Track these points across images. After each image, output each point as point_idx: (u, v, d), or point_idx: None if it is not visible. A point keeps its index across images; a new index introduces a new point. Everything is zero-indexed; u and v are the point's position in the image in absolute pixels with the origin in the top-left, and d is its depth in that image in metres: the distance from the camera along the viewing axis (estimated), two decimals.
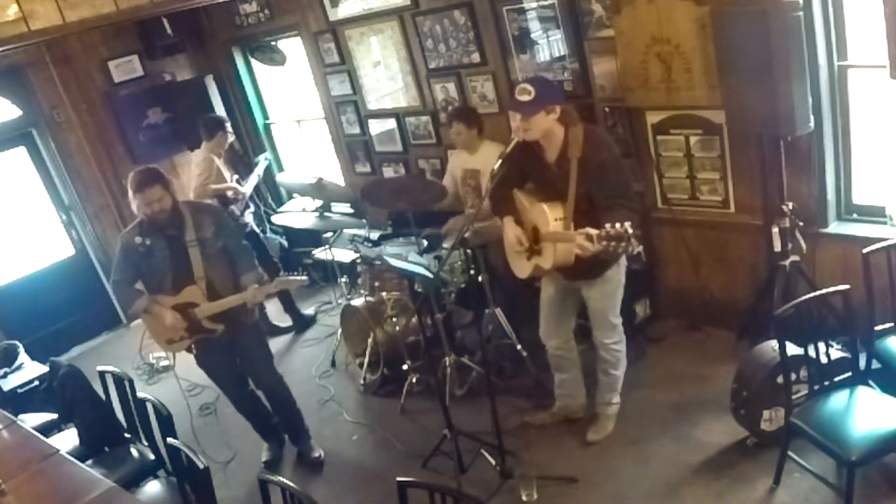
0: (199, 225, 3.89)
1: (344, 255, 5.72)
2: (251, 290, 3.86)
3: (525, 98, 3.25)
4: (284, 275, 4.13)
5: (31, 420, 4.31)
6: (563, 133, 3.35)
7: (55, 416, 4.46)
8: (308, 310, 6.19)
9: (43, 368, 5.43)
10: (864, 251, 3.29)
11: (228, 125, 5.73)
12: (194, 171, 5.63)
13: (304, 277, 4.08)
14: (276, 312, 6.07)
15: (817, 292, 3.12)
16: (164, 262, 3.88)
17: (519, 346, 4.52)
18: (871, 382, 3.25)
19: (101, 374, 3.96)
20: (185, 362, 4.30)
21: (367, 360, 4.88)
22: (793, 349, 3.11)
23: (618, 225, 2.87)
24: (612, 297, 3.66)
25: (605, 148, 3.36)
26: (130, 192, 3.82)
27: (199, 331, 3.95)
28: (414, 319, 4.66)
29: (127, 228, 4.03)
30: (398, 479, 2.53)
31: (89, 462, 3.69)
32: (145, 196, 3.74)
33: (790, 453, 3.21)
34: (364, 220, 5.67)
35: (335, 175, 6.59)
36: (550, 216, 3.32)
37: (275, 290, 4.05)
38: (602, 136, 3.49)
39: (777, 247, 3.90)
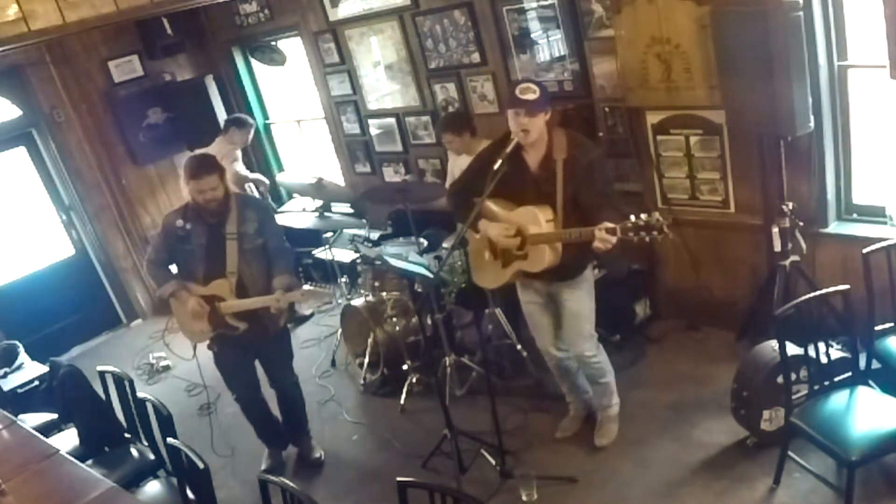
0: (242, 218, 3.83)
1: (344, 255, 5.71)
2: (276, 295, 3.76)
3: (531, 97, 3.26)
4: (313, 285, 3.97)
5: (31, 420, 4.31)
6: (548, 136, 3.39)
7: (55, 416, 4.45)
8: (306, 310, 6.18)
9: (43, 368, 5.43)
10: (864, 251, 3.29)
11: (244, 125, 6.01)
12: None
13: (331, 292, 3.94)
14: None
15: (817, 292, 3.12)
16: (199, 250, 3.83)
17: (519, 346, 4.52)
18: (871, 382, 3.25)
19: (101, 374, 3.96)
20: (186, 363, 4.29)
21: (367, 360, 4.88)
22: (793, 349, 3.11)
23: (644, 215, 2.94)
24: (589, 300, 3.64)
25: (591, 149, 3.44)
26: (183, 177, 3.77)
27: (222, 325, 3.90)
28: (414, 319, 4.66)
29: (172, 210, 3.99)
30: (398, 479, 2.53)
31: (89, 462, 3.69)
32: (200, 184, 3.70)
33: (790, 453, 3.22)
34: (364, 220, 5.67)
35: (335, 175, 6.59)
36: (541, 217, 3.33)
37: (301, 299, 3.92)
38: (584, 139, 3.54)
39: (777, 247, 3.90)
